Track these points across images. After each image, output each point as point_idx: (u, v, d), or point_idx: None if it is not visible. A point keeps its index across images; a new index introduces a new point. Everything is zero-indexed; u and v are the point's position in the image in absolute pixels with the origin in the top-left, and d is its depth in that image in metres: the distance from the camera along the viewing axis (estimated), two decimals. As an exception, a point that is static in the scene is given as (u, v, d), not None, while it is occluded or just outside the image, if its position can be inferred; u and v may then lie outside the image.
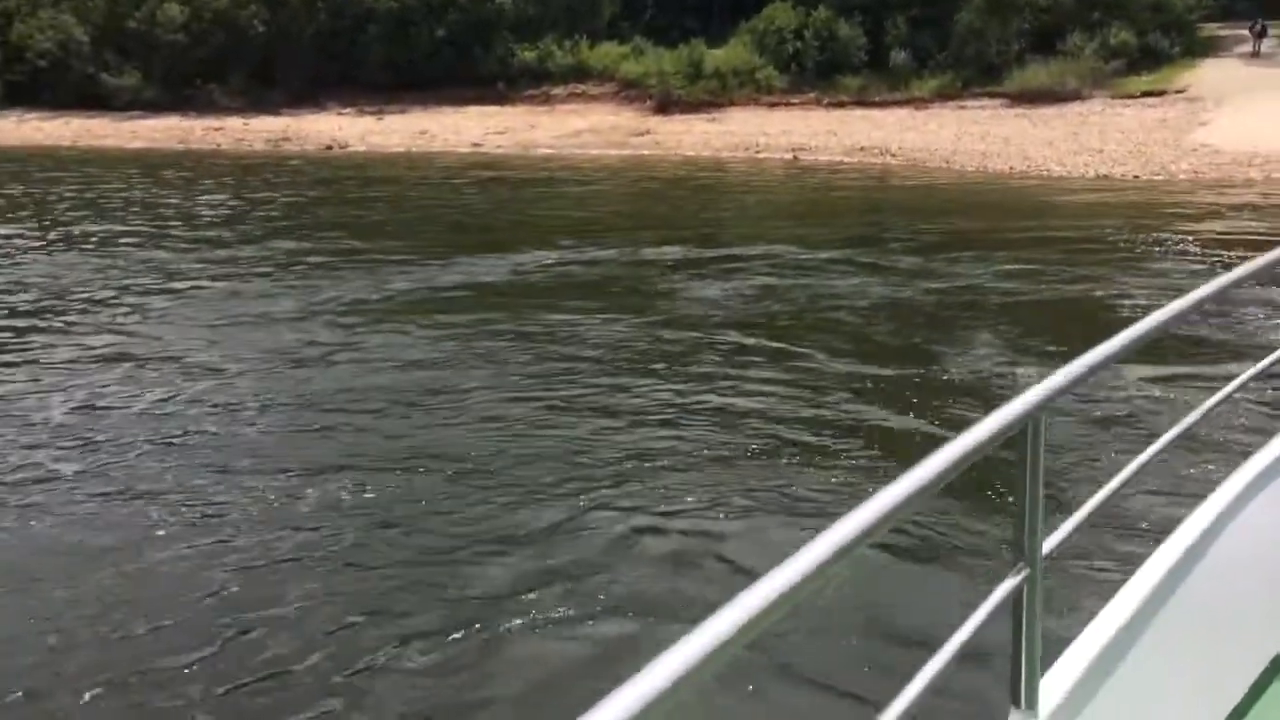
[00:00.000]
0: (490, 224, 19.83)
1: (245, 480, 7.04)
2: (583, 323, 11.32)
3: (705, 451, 7.44)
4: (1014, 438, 1.58)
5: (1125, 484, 2.17)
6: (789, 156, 30.74)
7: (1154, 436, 2.24)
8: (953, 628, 1.40)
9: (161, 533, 6.27)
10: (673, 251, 15.74)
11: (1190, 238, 15.75)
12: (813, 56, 40.62)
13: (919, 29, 39.71)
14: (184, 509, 6.59)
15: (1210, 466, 6.56)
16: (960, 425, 5.60)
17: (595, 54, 45.96)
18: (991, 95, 36.69)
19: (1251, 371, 2.86)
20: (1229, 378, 2.58)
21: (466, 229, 19.22)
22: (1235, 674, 2.71)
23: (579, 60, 46.01)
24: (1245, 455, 2.94)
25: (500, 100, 45.34)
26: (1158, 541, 2.45)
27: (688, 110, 40.36)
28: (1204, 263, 13.82)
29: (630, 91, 43.66)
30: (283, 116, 44.11)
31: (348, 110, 45.78)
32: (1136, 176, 23.94)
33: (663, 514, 6.45)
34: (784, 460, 7.25)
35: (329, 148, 37.01)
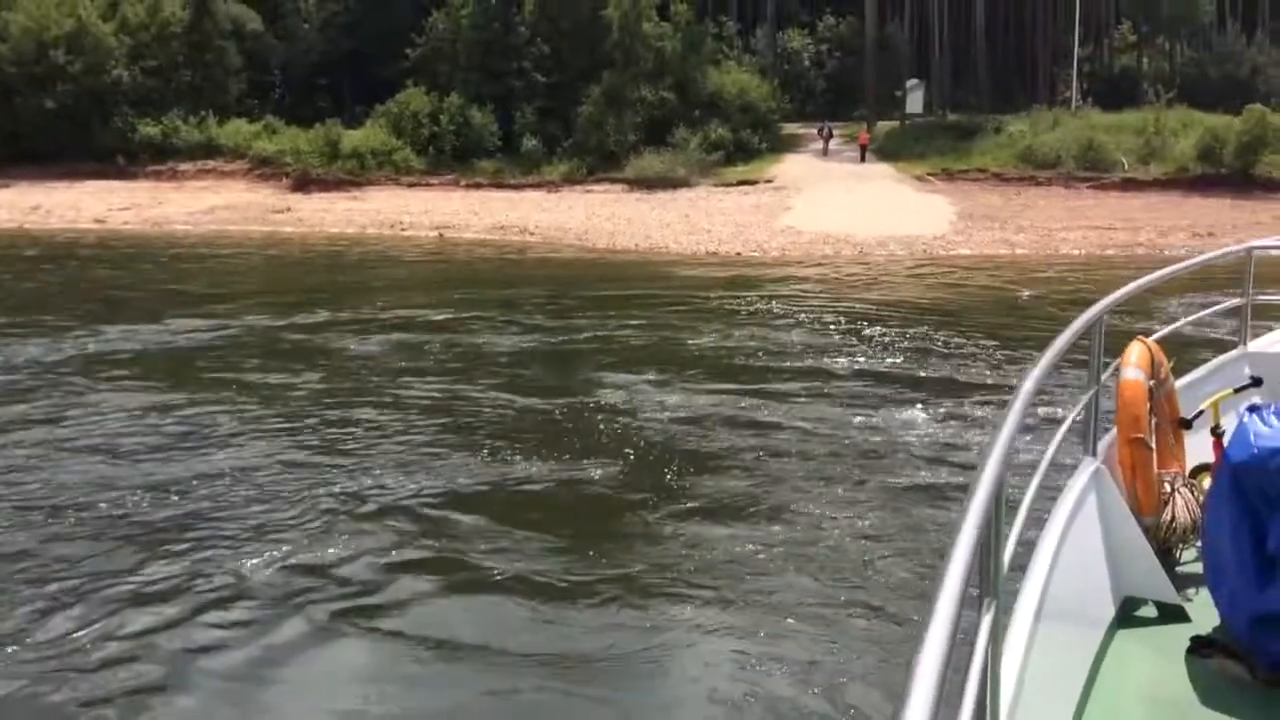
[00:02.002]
0: (131, 298, 19.48)
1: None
2: (248, 379, 12.07)
3: (386, 465, 8.68)
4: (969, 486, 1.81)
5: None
6: (434, 234, 32.29)
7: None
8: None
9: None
10: (325, 316, 16.69)
11: (775, 301, 18.99)
12: (450, 140, 42.71)
13: (546, 118, 43.12)
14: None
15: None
16: (602, 443, 7.48)
17: (225, 131, 45.23)
18: (613, 180, 40.49)
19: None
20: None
21: (109, 302, 18.80)
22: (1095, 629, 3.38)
23: (208, 136, 45.06)
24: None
25: (122, 175, 43.27)
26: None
27: (327, 189, 40.82)
28: (788, 317, 16.94)
29: (265, 169, 43.36)
30: None
31: (-64, 183, 41.56)
32: (739, 253, 27.77)
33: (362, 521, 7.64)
34: (462, 467, 8.67)
35: (-80, 222, 33.65)
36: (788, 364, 13.11)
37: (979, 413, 10.65)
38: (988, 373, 12.13)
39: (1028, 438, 9.17)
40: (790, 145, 45.65)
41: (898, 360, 13.37)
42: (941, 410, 10.63)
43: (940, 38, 49.67)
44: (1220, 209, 31.70)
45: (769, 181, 39.26)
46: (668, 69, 44.21)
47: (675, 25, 45.83)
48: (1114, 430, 3.89)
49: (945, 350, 13.69)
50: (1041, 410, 8.90)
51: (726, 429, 10.00)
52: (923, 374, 12.47)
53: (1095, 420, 3.75)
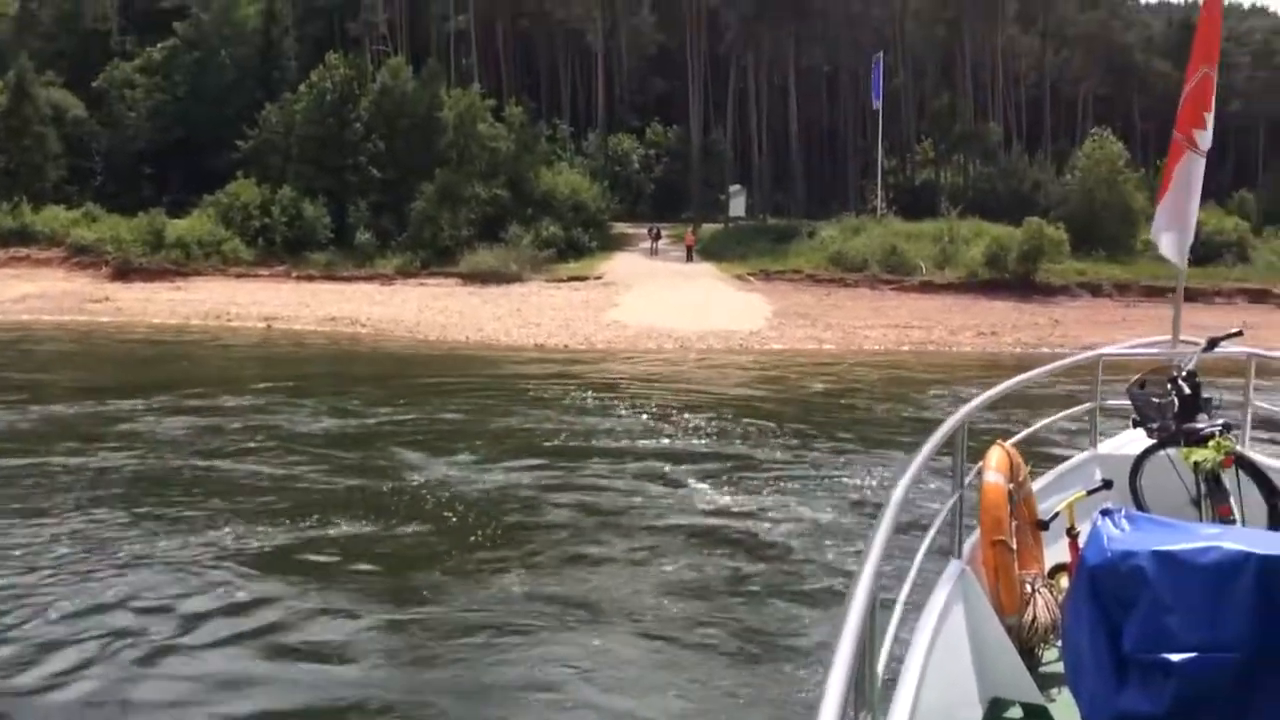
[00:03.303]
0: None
1: None
2: (56, 463, 12.17)
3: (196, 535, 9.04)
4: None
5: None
6: (262, 325, 32.08)
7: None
8: None
9: None
10: (139, 403, 16.68)
11: (593, 390, 19.94)
12: (281, 232, 42.58)
13: (380, 212, 43.65)
14: None
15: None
16: (424, 509, 8.26)
17: (42, 217, 43.90)
18: (447, 274, 41.14)
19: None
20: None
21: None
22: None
23: (22, 223, 43.60)
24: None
25: (-77, 261, 41.26)
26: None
27: (150, 278, 39.93)
28: (605, 404, 17.90)
29: (83, 257, 42.12)
30: None
31: None
32: (567, 345, 28.78)
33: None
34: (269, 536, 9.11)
35: None
36: (598, 444, 14.05)
37: (768, 486, 11.84)
38: (776, 452, 13.50)
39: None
40: (620, 244, 47.50)
41: (700, 441, 14.50)
42: (732, 481, 11.93)
43: (760, 148, 53.08)
44: (1005, 311, 34.87)
45: (598, 278, 40.71)
46: (502, 168, 45.62)
47: (510, 126, 47.53)
48: (977, 532, 4.01)
49: (742, 433, 14.94)
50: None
51: (537, 497, 10.92)
52: (721, 452, 13.63)
53: (960, 523, 3.86)
